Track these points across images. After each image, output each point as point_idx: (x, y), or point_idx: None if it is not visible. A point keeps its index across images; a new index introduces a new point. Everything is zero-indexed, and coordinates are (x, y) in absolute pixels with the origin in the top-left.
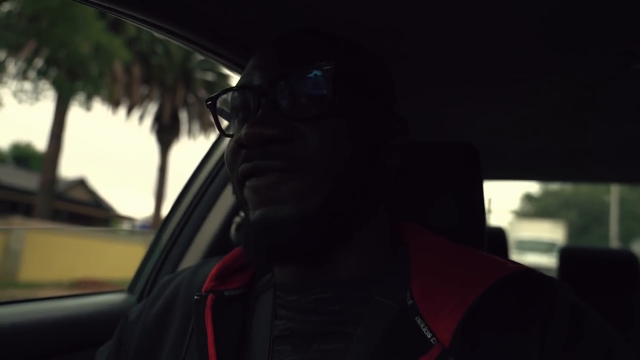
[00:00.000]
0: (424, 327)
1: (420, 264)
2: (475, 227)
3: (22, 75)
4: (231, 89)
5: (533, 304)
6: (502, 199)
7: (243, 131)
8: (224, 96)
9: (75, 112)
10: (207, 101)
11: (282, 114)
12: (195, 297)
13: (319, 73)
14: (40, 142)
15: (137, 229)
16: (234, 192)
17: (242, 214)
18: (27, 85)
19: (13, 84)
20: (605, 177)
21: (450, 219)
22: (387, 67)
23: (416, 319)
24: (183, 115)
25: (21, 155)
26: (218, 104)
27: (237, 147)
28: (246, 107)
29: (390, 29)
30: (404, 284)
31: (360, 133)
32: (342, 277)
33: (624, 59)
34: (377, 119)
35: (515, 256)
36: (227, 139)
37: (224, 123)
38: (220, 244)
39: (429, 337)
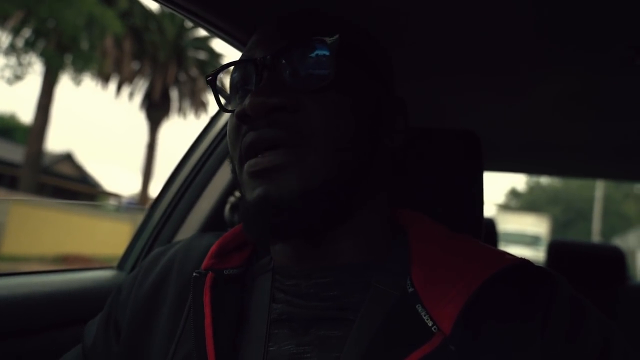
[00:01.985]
0: (425, 315)
1: (421, 252)
2: (473, 217)
3: (9, 47)
4: (232, 63)
5: (533, 296)
6: (488, 192)
7: (246, 101)
8: (225, 72)
9: (63, 86)
10: (207, 77)
11: (285, 85)
12: (195, 274)
13: (322, 46)
14: (25, 114)
15: (124, 206)
16: (234, 171)
17: (237, 194)
18: (14, 58)
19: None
20: (602, 173)
21: (449, 207)
22: (384, 47)
23: (417, 306)
24: (174, 93)
25: (5, 127)
26: (218, 81)
27: (240, 121)
28: (247, 81)
29: (394, 15)
30: (403, 271)
31: (362, 108)
32: (342, 262)
33: (628, 53)
34: (377, 95)
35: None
36: (225, 117)
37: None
38: (213, 223)
39: (430, 325)
